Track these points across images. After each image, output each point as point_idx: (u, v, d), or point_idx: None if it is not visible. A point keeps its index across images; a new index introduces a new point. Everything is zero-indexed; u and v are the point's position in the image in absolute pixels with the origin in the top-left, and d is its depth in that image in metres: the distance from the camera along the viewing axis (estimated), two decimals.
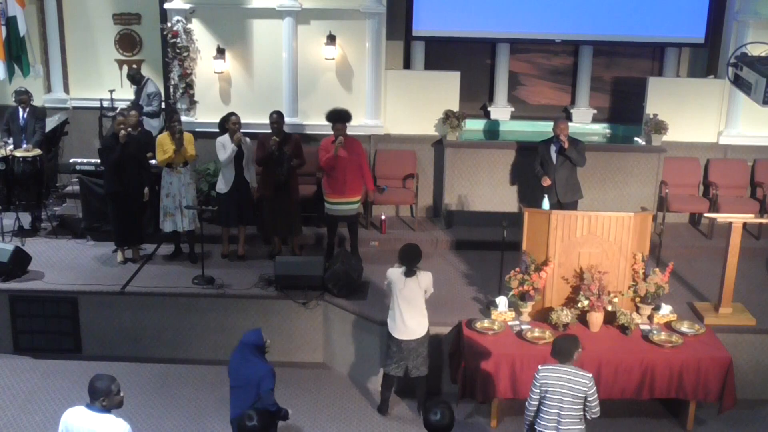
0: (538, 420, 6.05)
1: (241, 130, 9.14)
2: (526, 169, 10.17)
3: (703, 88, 10.55)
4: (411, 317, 7.36)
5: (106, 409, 5.16)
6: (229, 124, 9.12)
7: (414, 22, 10.54)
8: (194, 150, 9.24)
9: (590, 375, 5.98)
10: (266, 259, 9.47)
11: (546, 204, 8.69)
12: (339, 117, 8.95)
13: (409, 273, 7.29)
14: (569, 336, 6.27)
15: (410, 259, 7.31)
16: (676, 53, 11.04)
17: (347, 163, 8.98)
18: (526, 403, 6.09)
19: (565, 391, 5.90)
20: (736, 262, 8.03)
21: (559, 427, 5.94)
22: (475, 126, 10.93)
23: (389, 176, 10.43)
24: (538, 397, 6.00)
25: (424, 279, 7.36)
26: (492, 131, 11.07)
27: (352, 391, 8.28)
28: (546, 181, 9.18)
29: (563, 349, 6.00)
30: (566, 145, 9.06)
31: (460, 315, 8.12)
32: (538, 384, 5.99)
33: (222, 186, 9.33)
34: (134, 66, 11.11)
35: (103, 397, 5.13)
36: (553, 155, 9.20)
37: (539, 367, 6.04)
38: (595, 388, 5.95)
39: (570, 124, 10.45)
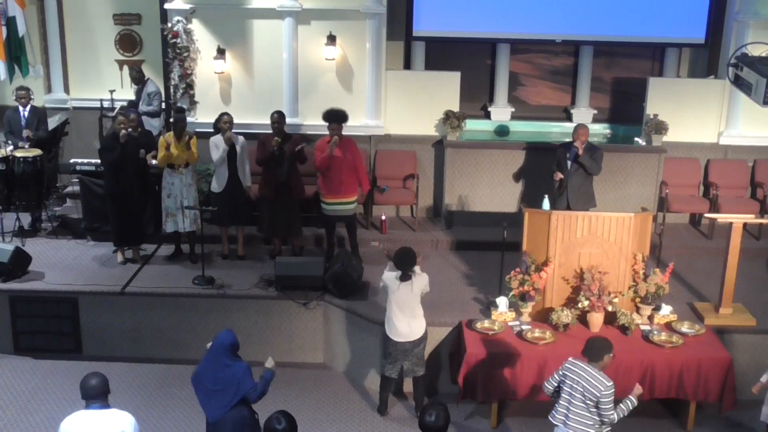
0: (552, 410, 6.13)
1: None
2: (526, 169, 10.19)
3: (704, 88, 10.55)
4: (404, 320, 7.37)
5: (108, 405, 5.19)
6: (220, 123, 9.13)
7: (414, 22, 10.54)
8: (197, 152, 9.27)
9: (611, 383, 5.90)
10: (266, 259, 9.47)
11: (546, 204, 8.66)
12: (334, 117, 8.96)
13: (404, 277, 7.29)
14: (604, 338, 6.16)
15: (404, 264, 7.30)
16: (677, 53, 11.04)
17: (342, 163, 8.98)
18: (543, 385, 6.26)
19: (577, 387, 5.91)
20: (737, 262, 8.03)
21: (567, 422, 5.97)
22: (475, 126, 10.93)
23: (389, 176, 10.43)
24: (555, 384, 6.10)
25: (419, 282, 7.35)
26: (492, 131, 11.05)
27: (352, 392, 8.28)
28: (557, 175, 8.97)
29: (594, 348, 5.97)
30: (581, 152, 8.85)
31: (460, 315, 8.12)
32: (560, 372, 6.07)
33: (215, 186, 9.35)
34: (136, 67, 11.12)
35: (102, 395, 5.17)
36: (568, 161, 9.00)
37: (569, 358, 6.10)
38: (611, 396, 5.87)
39: (569, 124, 10.49)
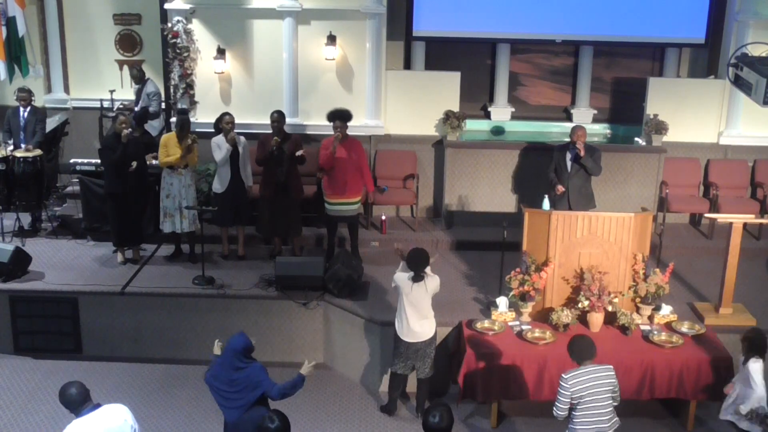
0: (578, 427, 5.96)
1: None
2: (526, 169, 10.18)
3: (704, 88, 10.55)
4: (417, 321, 7.39)
5: (97, 404, 5.19)
6: (222, 123, 9.13)
7: (414, 22, 10.54)
8: (197, 153, 9.28)
9: (611, 366, 6.03)
10: (266, 259, 9.47)
11: (546, 204, 8.66)
12: (338, 115, 8.98)
13: (417, 278, 7.30)
14: (586, 336, 6.20)
15: (417, 264, 7.30)
16: (677, 53, 11.03)
17: (347, 163, 8.99)
18: (555, 411, 5.98)
19: (599, 390, 5.91)
20: (737, 262, 8.03)
21: (603, 426, 5.93)
22: (475, 126, 10.93)
23: (389, 176, 10.43)
24: (568, 403, 5.92)
25: (432, 283, 7.37)
26: (492, 131, 11.05)
27: (352, 392, 8.28)
28: (559, 190, 8.95)
29: (586, 348, 5.98)
30: (582, 153, 8.83)
31: (460, 315, 8.13)
32: (568, 393, 5.88)
33: (218, 186, 9.34)
34: (136, 66, 11.13)
35: (87, 398, 5.17)
36: (568, 163, 8.97)
37: (563, 375, 5.95)
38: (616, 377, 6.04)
39: (569, 124, 10.46)
